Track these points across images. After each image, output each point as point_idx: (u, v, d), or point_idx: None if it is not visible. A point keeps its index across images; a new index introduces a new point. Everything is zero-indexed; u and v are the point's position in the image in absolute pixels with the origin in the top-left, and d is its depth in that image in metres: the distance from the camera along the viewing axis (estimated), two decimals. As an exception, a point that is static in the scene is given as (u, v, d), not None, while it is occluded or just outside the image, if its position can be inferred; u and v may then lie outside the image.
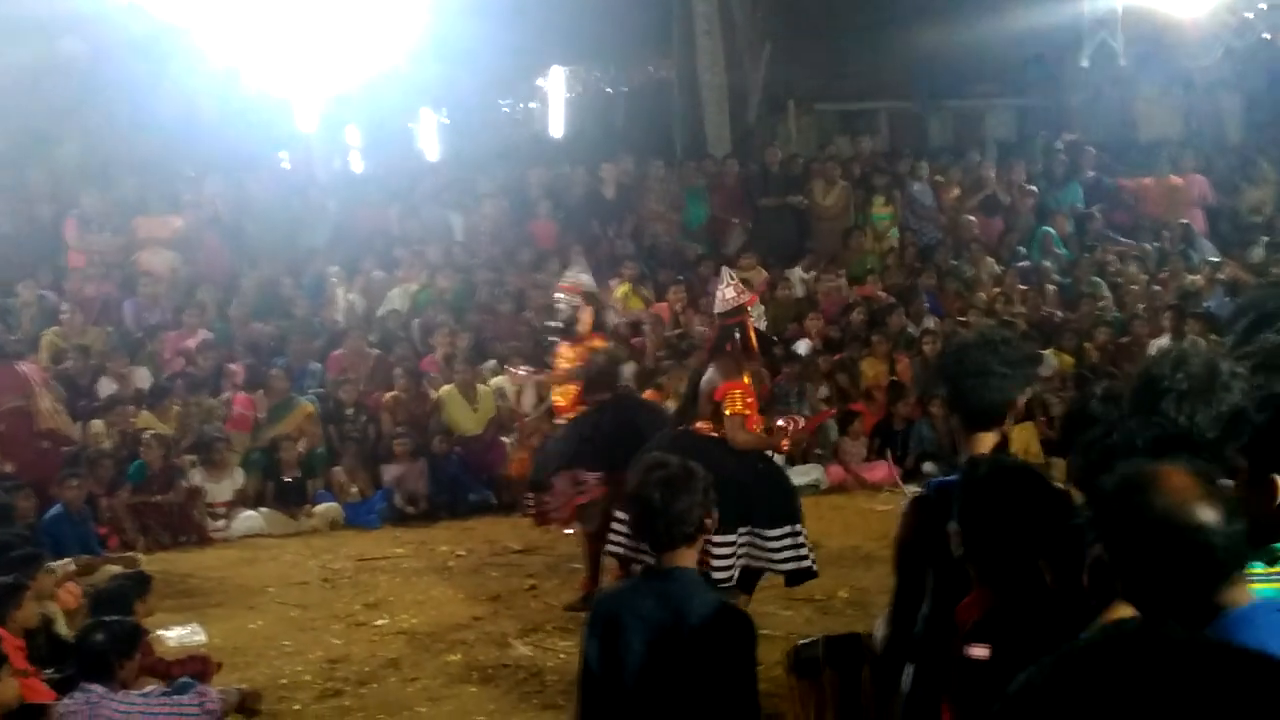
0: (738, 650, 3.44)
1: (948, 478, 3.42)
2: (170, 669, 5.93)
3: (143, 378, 11.16)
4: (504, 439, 11.10)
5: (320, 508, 10.52)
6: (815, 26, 17.13)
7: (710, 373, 6.86)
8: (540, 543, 9.27)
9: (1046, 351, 11.98)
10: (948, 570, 3.18)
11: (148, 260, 12.76)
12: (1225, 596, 2.23)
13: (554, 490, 7.71)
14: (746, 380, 6.91)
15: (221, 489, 10.36)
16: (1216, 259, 14.38)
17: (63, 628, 6.55)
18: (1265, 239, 15.01)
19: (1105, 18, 15.19)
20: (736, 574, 6.61)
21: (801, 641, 4.33)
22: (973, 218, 15.00)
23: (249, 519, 10.32)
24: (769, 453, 7.11)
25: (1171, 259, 14.45)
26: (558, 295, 8.45)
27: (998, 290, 13.70)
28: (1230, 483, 2.51)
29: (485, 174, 14.79)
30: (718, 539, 6.31)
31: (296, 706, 6.42)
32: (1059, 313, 13.35)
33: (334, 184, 14.60)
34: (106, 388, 10.90)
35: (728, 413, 6.72)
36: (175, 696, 5.26)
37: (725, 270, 7.71)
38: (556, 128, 19.97)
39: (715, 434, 6.79)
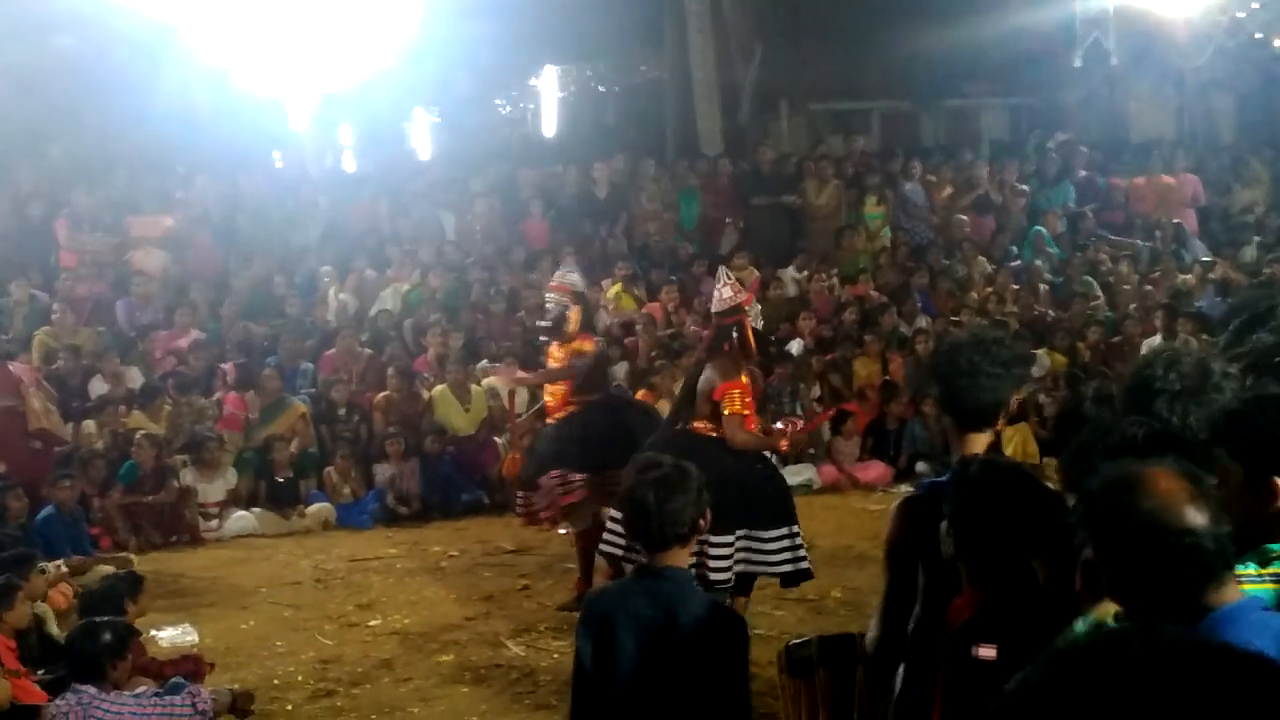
0: (730, 650, 3.45)
1: (939, 478, 3.43)
2: (162, 669, 5.93)
3: (134, 377, 11.15)
4: (496, 439, 11.11)
5: (313, 508, 10.51)
6: (807, 26, 17.12)
7: (708, 372, 6.85)
8: (533, 543, 9.27)
9: (1039, 351, 12.01)
10: (938, 571, 3.18)
11: (139, 260, 12.75)
12: (1212, 596, 2.23)
13: (540, 489, 7.71)
14: (745, 380, 6.90)
15: (213, 489, 10.34)
16: (1208, 259, 14.41)
17: (54, 628, 6.55)
18: (1257, 239, 15.05)
19: (1098, 17, 15.20)
20: (734, 576, 6.61)
21: (794, 641, 4.32)
22: (965, 217, 15.03)
23: (241, 519, 10.31)
24: (767, 453, 7.12)
25: (1163, 258, 14.49)
26: (547, 295, 8.46)
27: (990, 290, 13.72)
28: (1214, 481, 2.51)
29: (477, 173, 14.78)
30: (716, 540, 6.30)
31: (289, 707, 6.41)
32: (1051, 312, 13.38)
33: (326, 183, 14.59)
34: (98, 388, 10.89)
35: (726, 412, 6.71)
36: (167, 697, 5.26)
37: (722, 269, 7.70)
38: (549, 127, 19.99)
39: (714, 434, 6.79)
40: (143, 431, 10.18)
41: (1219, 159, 16.72)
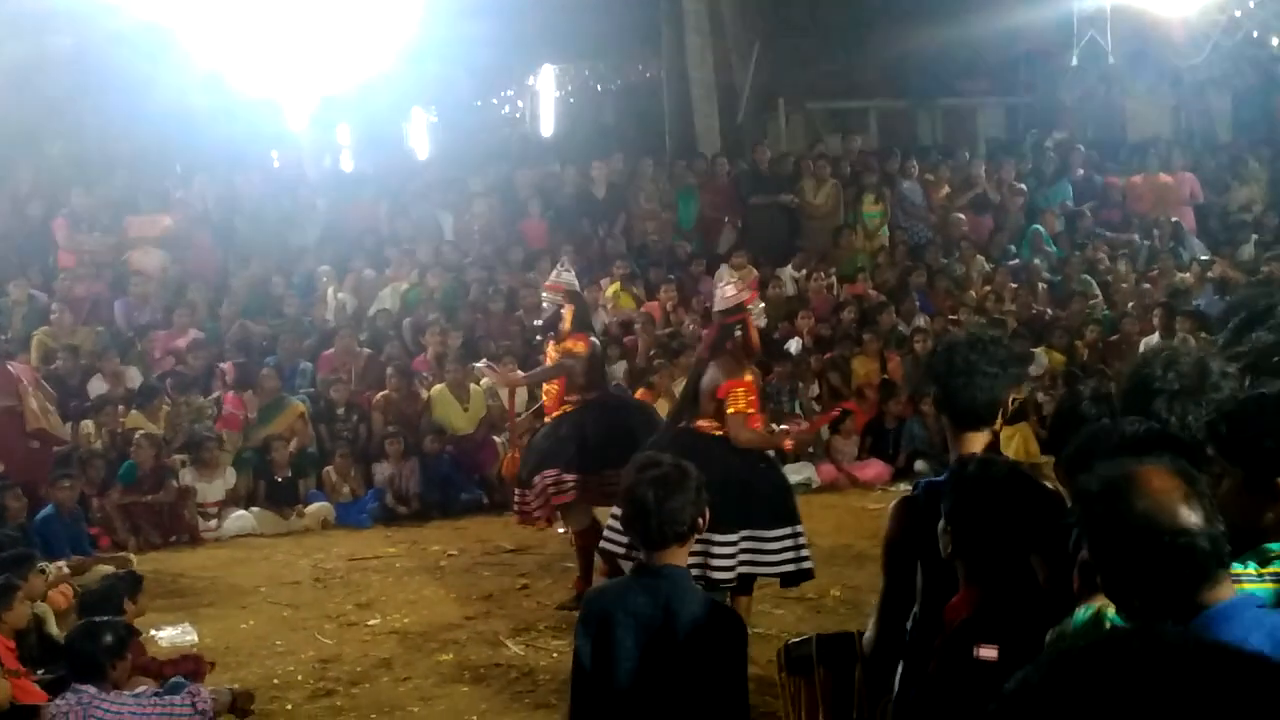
0: (729, 648, 3.46)
1: (937, 477, 3.43)
2: (162, 669, 5.93)
3: (133, 377, 11.15)
4: (495, 438, 11.11)
5: (312, 507, 10.51)
6: (805, 25, 17.14)
7: (712, 371, 6.84)
8: (532, 542, 9.27)
9: (1037, 349, 12.02)
10: (937, 570, 3.19)
11: (138, 259, 12.74)
12: (1207, 595, 2.24)
13: (534, 488, 7.72)
14: (749, 378, 6.90)
15: (213, 489, 10.34)
16: (1206, 257, 14.43)
17: (54, 628, 6.55)
18: (1254, 237, 15.06)
19: (1095, 16, 15.18)
20: (737, 576, 6.60)
21: (793, 640, 4.32)
22: (963, 216, 15.04)
23: (240, 519, 10.31)
24: (769, 452, 7.12)
25: (1161, 257, 14.51)
26: (542, 294, 8.46)
27: (988, 288, 13.74)
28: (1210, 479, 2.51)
29: (476, 173, 14.78)
30: (719, 539, 6.30)
31: (289, 706, 6.41)
32: (1049, 310, 13.39)
33: (324, 183, 14.58)
34: (97, 387, 10.89)
35: (730, 410, 6.70)
36: (167, 696, 5.26)
37: (724, 268, 7.71)
38: (547, 126, 19.99)
39: (718, 432, 6.78)
40: (141, 431, 10.18)
41: (1216, 157, 16.74)
